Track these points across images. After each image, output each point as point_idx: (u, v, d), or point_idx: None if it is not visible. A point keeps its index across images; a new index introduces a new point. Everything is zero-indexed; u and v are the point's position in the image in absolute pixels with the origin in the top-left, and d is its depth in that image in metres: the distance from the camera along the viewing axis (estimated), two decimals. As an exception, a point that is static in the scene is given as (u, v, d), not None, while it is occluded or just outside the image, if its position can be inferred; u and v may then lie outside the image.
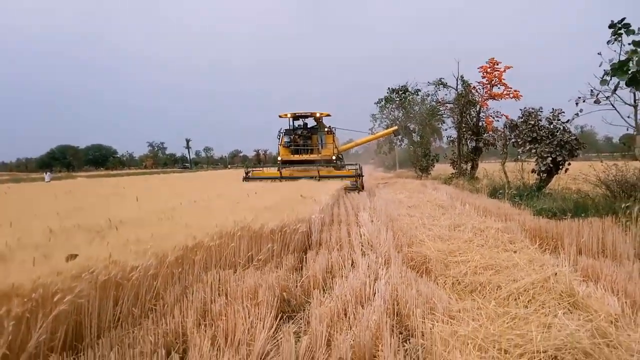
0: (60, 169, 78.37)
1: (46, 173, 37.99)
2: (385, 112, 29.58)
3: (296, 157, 19.18)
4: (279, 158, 19.26)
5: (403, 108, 28.73)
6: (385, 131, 25.91)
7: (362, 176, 18.29)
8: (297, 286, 4.55)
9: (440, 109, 25.68)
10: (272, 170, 18.93)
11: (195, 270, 4.44)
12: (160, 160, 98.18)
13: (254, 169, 20.00)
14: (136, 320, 3.52)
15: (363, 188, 17.72)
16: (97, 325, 3.31)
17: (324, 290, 4.44)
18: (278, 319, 3.69)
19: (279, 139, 19.44)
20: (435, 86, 24.72)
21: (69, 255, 3.53)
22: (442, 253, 5.25)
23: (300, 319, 3.86)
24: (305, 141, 19.53)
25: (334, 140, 19.27)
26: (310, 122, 20.64)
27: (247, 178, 17.90)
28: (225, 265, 4.88)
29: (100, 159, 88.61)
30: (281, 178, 17.13)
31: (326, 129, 19.48)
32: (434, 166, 28.33)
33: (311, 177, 16.68)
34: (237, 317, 3.34)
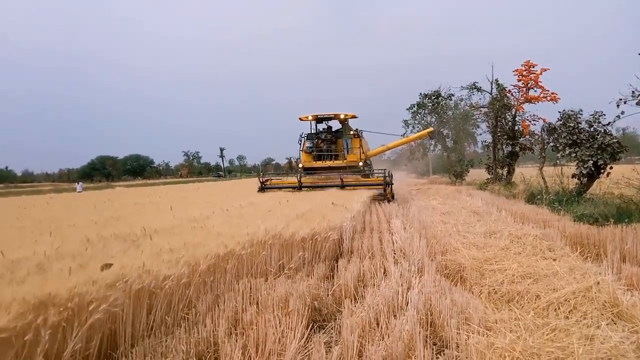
0: (100, 179, 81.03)
1: (78, 183, 38.56)
2: (417, 117, 29.27)
3: (319, 163, 17.30)
4: (300, 165, 17.47)
5: (436, 113, 28.35)
6: (420, 133, 23.87)
7: (392, 184, 16.00)
8: (328, 295, 4.51)
9: (474, 113, 25.22)
10: (294, 179, 16.71)
11: (227, 278, 4.46)
12: (195, 169, 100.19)
13: (272, 177, 17.91)
14: (169, 329, 3.55)
15: (393, 197, 15.61)
16: (131, 334, 3.35)
17: (355, 299, 4.37)
18: (309, 328, 3.65)
19: (300, 144, 17.72)
20: (469, 90, 24.26)
21: (104, 264, 3.61)
22: (477, 261, 5.11)
23: (332, 328, 3.81)
24: (329, 146, 17.65)
25: (361, 145, 17.28)
26: (335, 126, 18.74)
27: (263, 188, 15.66)
28: (257, 274, 4.89)
29: (138, 169, 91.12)
30: (300, 187, 15.28)
31: (352, 132, 17.53)
32: (468, 172, 27.81)
33: (334, 186, 14.84)
34: (267, 327, 3.32)
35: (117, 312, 3.26)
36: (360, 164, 16.86)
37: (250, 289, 4.35)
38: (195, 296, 4.01)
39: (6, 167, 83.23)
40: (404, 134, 28.82)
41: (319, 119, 17.77)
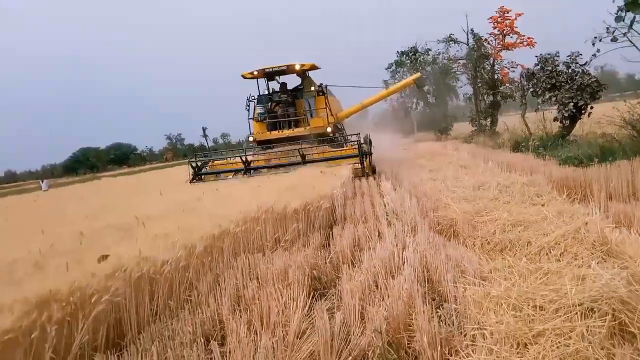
0: (85, 170, 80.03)
1: (42, 181, 32.65)
2: (397, 76, 29.06)
3: (275, 134, 12.99)
4: (250, 138, 13.32)
5: (415, 70, 28.20)
6: (405, 81, 20.04)
7: (371, 154, 12.13)
8: (326, 263, 4.57)
9: (453, 66, 25.15)
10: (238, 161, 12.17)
11: (224, 257, 4.51)
12: (180, 151, 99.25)
13: (213, 158, 13.33)
14: (173, 313, 3.61)
15: (374, 172, 11.93)
16: (137, 321, 3.40)
17: (353, 264, 4.45)
18: (310, 297, 3.72)
19: (249, 110, 13.22)
20: (446, 43, 24.06)
21: (101, 256, 3.62)
22: (468, 214, 5.19)
23: (332, 295, 3.89)
24: (287, 109, 13.38)
25: (327, 104, 13.01)
26: (293, 83, 14.41)
27: (195, 177, 11.72)
28: (254, 250, 4.94)
29: (122, 157, 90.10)
30: (247, 170, 11.43)
31: (314, 89, 13.28)
32: (452, 126, 27.93)
33: (295, 164, 11.06)
34: (270, 300, 3.39)
35: (120, 301, 3.29)
36: (329, 129, 12.86)
37: (249, 265, 4.41)
38: (196, 278, 4.05)
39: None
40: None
41: (268, 74, 13.55)
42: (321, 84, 13.34)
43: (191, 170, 11.74)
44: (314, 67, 13.61)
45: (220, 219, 4.82)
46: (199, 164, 12.13)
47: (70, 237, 4.69)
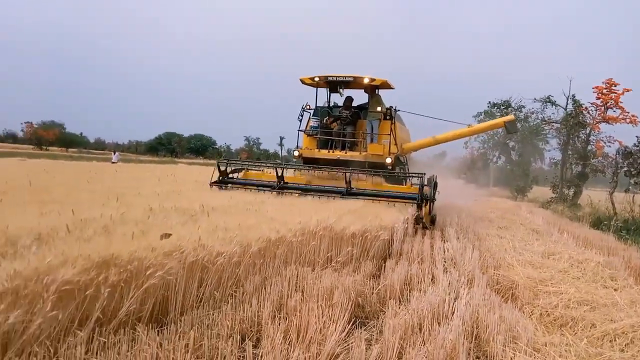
0: (165, 153, 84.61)
1: (114, 153, 37.09)
2: (484, 127, 28.21)
3: (324, 153, 10.96)
4: (296, 152, 11.42)
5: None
6: (495, 121, 15.51)
7: (433, 200, 9.73)
8: (373, 293, 4.50)
9: (545, 128, 24.13)
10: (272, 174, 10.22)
11: (275, 263, 4.56)
12: (254, 154, 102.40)
13: (246, 166, 11.34)
14: (217, 304, 3.68)
15: (433, 222, 9.82)
16: (182, 303, 3.51)
17: (400, 301, 4.34)
18: (351, 323, 3.67)
19: (300, 120, 11.28)
20: (542, 103, 23.21)
21: (164, 234, 3.79)
22: (531, 280, 4.91)
23: (373, 326, 3.80)
24: (344, 128, 11.22)
25: (393, 131, 10.71)
26: (359, 99, 11.84)
27: (221, 182, 9.92)
28: (305, 262, 4.96)
29: (201, 148, 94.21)
30: (279, 188, 9.47)
31: (380, 109, 10.83)
32: (531, 188, 26.68)
33: (337, 193, 9.07)
34: (310, 315, 3.37)
35: (171, 280, 3.42)
36: (388, 159, 10.53)
37: (297, 276, 4.42)
38: (244, 276, 4.12)
39: (81, 133, 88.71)
40: (467, 142, 27.73)
41: (330, 83, 11.34)
42: (391, 106, 11.13)
43: (217, 173, 10.06)
44: (386, 85, 11.18)
45: (280, 225, 4.89)
46: (229, 168, 10.33)
47: (141, 211, 4.95)
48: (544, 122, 23.66)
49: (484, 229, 9.14)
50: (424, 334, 3.40)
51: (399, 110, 11.28)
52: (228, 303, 3.66)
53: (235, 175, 10.42)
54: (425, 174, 9.42)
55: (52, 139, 72.86)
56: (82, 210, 4.50)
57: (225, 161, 10.53)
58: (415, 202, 8.76)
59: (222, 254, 3.83)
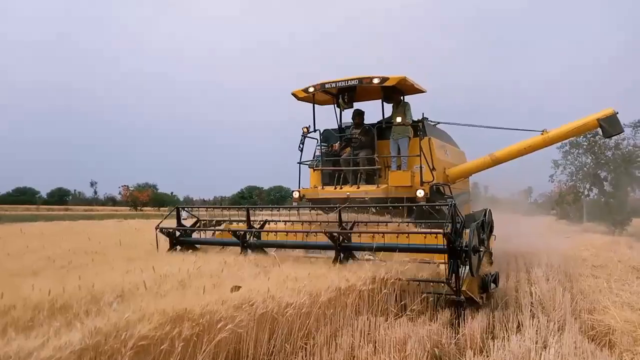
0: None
1: (184, 209, 40.66)
2: (569, 157, 26.46)
3: (329, 190, 8.19)
4: (295, 194, 8.56)
5: (592, 153, 25.47)
6: (586, 119, 8.87)
7: (481, 252, 5.47)
8: (450, 343, 4.26)
9: (640, 154, 22.22)
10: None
11: (346, 313, 4.48)
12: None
13: (217, 218, 7.86)
14: (287, 357, 3.68)
15: (486, 291, 5.72)
16: (253, 356, 3.55)
17: (480, 352, 4.08)
18: (426, 375, 3.49)
19: (301, 150, 8.64)
20: (633, 128, 21.51)
21: (234, 286, 3.91)
22: (631, 324, 4.41)
23: (451, 379, 3.58)
24: (356, 154, 8.30)
25: (423, 152, 7.76)
26: (375, 116, 8.88)
27: (176, 242, 6.96)
28: (377, 312, 4.82)
29: (280, 199, 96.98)
30: (245, 246, 6.28)
31: (400, 119, 7.74)
32: (630, 221, 24.35)
33: (328, 248, 5.83)
34: (381, 367, 3.26)
35: (242, 333, 3.48)
36: (420, 192, 7.35)
37: (369, 326, 4.31)
38: (315, 327, 4.09)
39: (171, 193, 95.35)
40: (552, 175, 26.07)
41: (330, 93, 8.48)
42: (424, 117, 8.33)
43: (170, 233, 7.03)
44: (408, 87, 8.00)
45: (349, 274, 4.84)
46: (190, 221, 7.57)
47: (216, 263, 5.15)
48: (637, 148, 21.83)
49: (577, 268, 8.43)
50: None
51: (433, 122, 8.48)
52: (298, 356, 3.64)
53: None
54: (453, 201, 5.53)
55: (146, 199, 79.22)
56: (162, 266, 4.77)
57: (186, 213, 7.82)
58: (443, 260, 5.14)
59: (291, 304, 3.86)
